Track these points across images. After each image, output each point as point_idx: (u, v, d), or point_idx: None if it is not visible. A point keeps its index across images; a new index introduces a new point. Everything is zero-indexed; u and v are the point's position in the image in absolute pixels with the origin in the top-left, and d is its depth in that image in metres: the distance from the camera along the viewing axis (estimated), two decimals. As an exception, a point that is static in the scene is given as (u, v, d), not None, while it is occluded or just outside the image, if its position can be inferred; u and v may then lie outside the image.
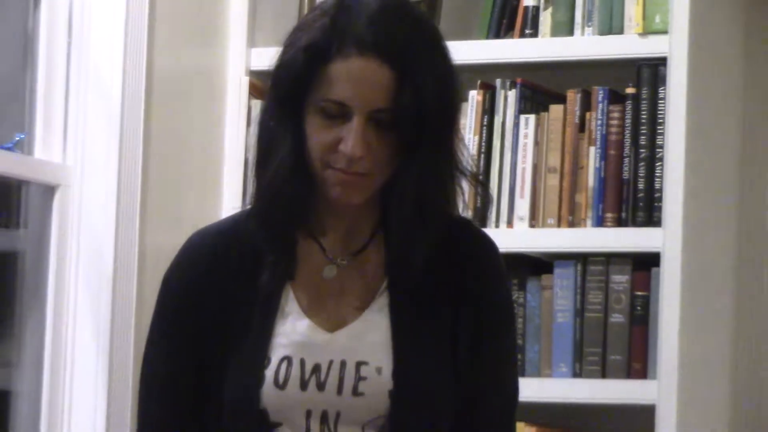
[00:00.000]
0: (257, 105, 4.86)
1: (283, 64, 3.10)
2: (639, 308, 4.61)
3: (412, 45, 3.05)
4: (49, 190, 4.68)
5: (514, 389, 3.20)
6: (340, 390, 3.05)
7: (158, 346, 3.19)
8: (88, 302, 4.68)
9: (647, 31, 4.66)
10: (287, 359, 3.06)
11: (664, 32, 4.61)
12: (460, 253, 3.17)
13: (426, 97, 3.02)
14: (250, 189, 3.21)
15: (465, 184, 3.18)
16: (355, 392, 3.04)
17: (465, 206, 3.25)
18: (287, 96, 3.07)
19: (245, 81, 4.98)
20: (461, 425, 3.13)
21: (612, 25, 4.71)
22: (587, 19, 4.74)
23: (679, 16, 4.57)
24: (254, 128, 4.38)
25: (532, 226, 4.74)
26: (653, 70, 4.64)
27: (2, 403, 4.76)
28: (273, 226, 3.13)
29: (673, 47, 4.58)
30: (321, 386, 3.04)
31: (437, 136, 3.07)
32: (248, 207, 3.21)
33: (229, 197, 4.93)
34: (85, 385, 4.65)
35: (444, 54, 3.09)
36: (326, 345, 3.08)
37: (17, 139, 4.65)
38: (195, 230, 3.24)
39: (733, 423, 4.80)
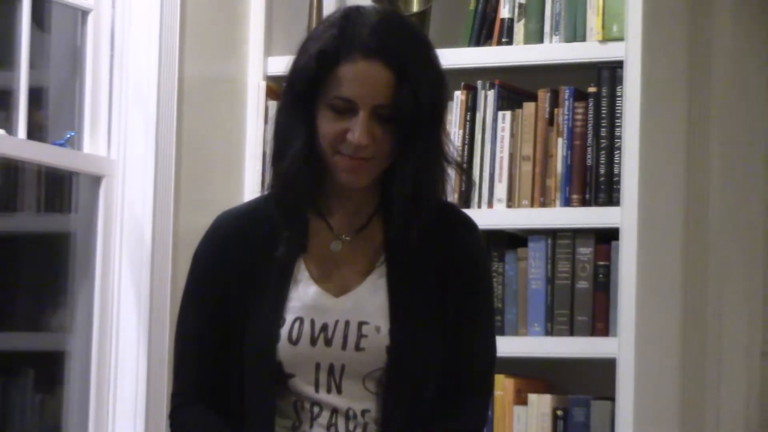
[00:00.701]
0: (273, 105, 4.84)
1: (297, 68, 3.17)
2: (601, 276, 4.64)
3: (409, 51, 3.14)
4: (95, 180, 4.69)
5: (493, 346, 3.27)
6: (344, 346, 3.13)
7: (190, 310, 3.27)
8: (130, 275, 4.69)
9: (606, 39, 4.67)
10: (299, 320, 3.14)
11: (621, 39, 4.62)
12: (446, 232, 3.24)
13: (420, 95, 3.11)
14: (268, 177, 3.28)
15: (451, 172, 3.24)
16: (358, 348, 3.13)
17: (452, 190, 3.39)
18: (301, 96, 3.15)
19: (263, 85, 4.97)
20: (448, 377, 3.18)
21: (576, 34, 4.73)
22: (555, 28, 4.76)
23: (633, 25, 4.58)
24: (271, 125, 4.49)
25: (509, 206, 4.74)
26: (612, 72, 4.66)
27: (59, 361, 4.76)
28: (288, 208, 3.20)
29: (629, 52, 4.60)
30: (328, 342, 3.13)
31: (429, 129, 3.16)
32: (266, 192, 3.28)
33: (250, 184, 4.95)
34: (128, 346, 4.67)
35: (434, 59, 3.19)
36: (333, 307, 3.16)
37: (68, 136, 4.67)
38: (220, 212, 3.35)
39: (683, 371, 4.80)
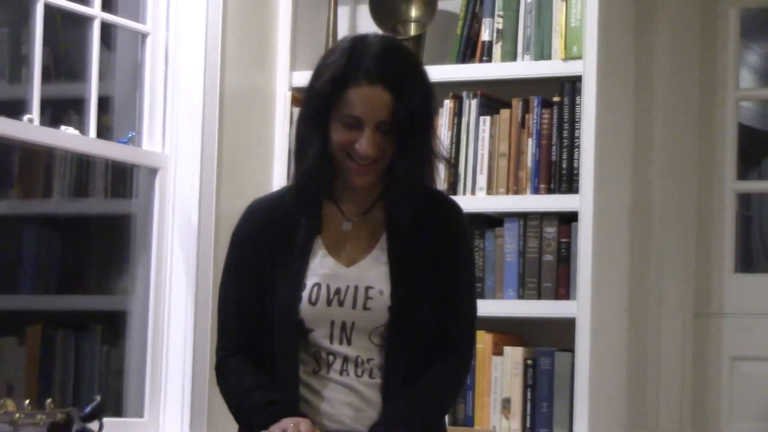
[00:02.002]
0: (297, 112, 4.62)
1: (314, 91, 3.22)
2: (563, 251, 4.63)
3: (405, 75, 3.18)
4: (152, 172, 4.68)
5: (474, 307, 3.31)
6: (354, 306, 3.18)
7: (230, 279, 3.31)
8: (180, 249, 4.69)
9: (567, 58, 4.64)
10: (317, 285, 3.19)
11: (579, 58, 4.60)
12: (437, 214, 3.27)
13: (414, 110, 3.15)
14: (292, 171, 3.38)
15: (442, 166, 3.33)
16: (365, 308, 3.18)
17: (443, 180, 3.45)
18: (317, 113, 3.19)
19: (288, 95, 4.94)
20: (438, 332, 3.22)
21: (543, 53, 4.70)
22: (526, 49, 4.73)
23: (590, 47, 4.57)
24: (294, 128, 4.54)
25: (488, 194, 4.72)
26: (572, 85, 4.64)
27: (122, 319, 4.76)
28: (308, 196, 3.25)
29: (586, 69, 4.59)
30: (341, 303, 3.18)
31: (421, 134, 3.21)
32: (290, 183, 3.34)
33: (277, 176, 4.93)
34: (178, 307, 4.67)
35: (425, 78, 3.24)
36: (344, 275, 3.21)
37: (130, 135, 4.68)
38: (253, 198, 3.39)
39: (630, 328, 4.80)
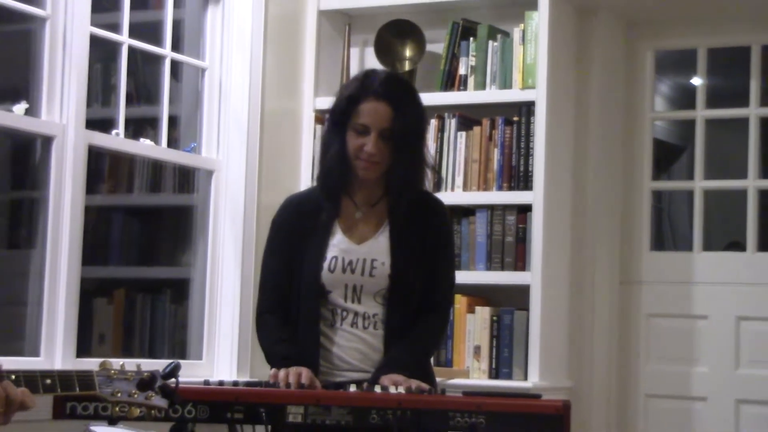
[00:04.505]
0: (319, 128, 4.79)
1: (336, 106, 3.26)
2: (521, 234, 4.59)
3: (403, 96, 3.24)
4: (209, 173, 4.67)
5: (453, 277, 3.35)
6: (363, 273, 3.23)
7: (269, 255, 3.35)
8: (230, 232, 4.66)
9: (524, 87, 4.61)
10: (335, 257, 3.24)
11: (533, 88, 4.57)
12: (425, 209, 3.31)
13: (409, 124, 3.21)
14: (316, 173, 3.44)
15: (428, 171, 3.34)
16: (371, 275, 3.23)
17: (429, 182, 3.46)
18: (337, 122, 3.24)
19: (312, 115, 4.89)
20: (425, 295, 3.25)
21: (506, 84, 4.67)
22: (493, 80, 4.70)
23: (541, 80, 4.54)
24: (318, 140, 4.56)
25: (464, 190, 4.69)
26: (528, 108, 4.61)
27: (185, 285, 4.73)
28: (329, 191, 3.29)
29: (538, 96, 4.56)
30: (353, 271, 3.23)
31: (414, 144, 3.25)
32: (315, 184, 3.37)
33: (304, 178, 4.87)
34: (228, 277, 4.64)
35: (418, 100, 3.30)
36: (356, 251, 3.25)
37: (192, 145, 4.68)
38: (286, 195, 3.44)
39: (570, 293, 4.76)
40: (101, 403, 2.85)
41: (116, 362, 2.44)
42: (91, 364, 2.48)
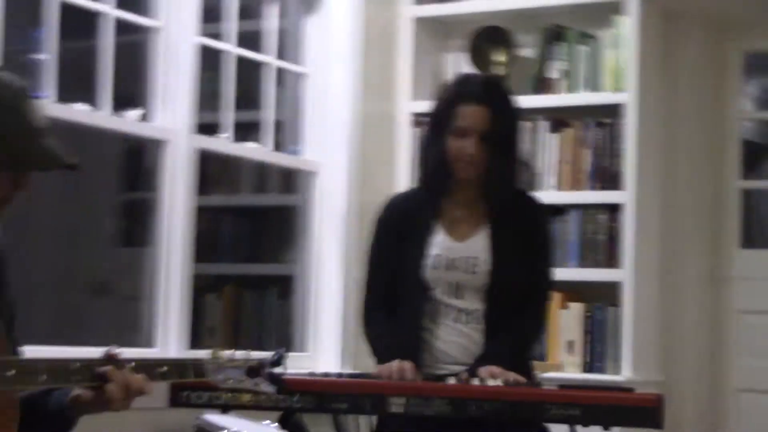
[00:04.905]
0: (416, 132, 4.77)
1: (437, 108, 3.27)
2: (612, 232, 4.53)
3: (500, 99, 3.24)
4: (311, 174, 4.68)
5: (551, 273, 3.32)
6: (464, 270, 3.23)
7: (373, 252, 3.36)
8: (332, 231, 4.67)
9: (614, 90, 4.57)
10: (437, 255, 3.23)
11: (623, 91, 4.52)
12: (524, 206, 3.30)
13: (506, 125, 3.22)
14: (416, 173, 3.46)
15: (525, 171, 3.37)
16: (472, 272, 3.22)
17: (528, 181, 3.45)
18: (438, 125, 3.24)
19: (409, 118, 4.88)
20: (525, 291, 3.23)
21: (596, 87, 4.64)
22: (583, 84, 4.67)
23: (631, 83, 4.51)
24: (414, 142, 4.54)
25: (557, 190, 4.64)
26: (618, 110, 4.54)
27: (290, 281, 4.73)
28: (430, 191, 3.30)
29: (628, 99, 4.52)
30: (455, 269, 3.23)
31: (510, 145, 3.25)
32: (416, 184, 3.38)
33: (401, 178, 4.82)
34: (331, 273, 4.64)
35: (514, 102, 3.29)
36: (457, 249, 3.25)
37: (295, 148, 4.68)
38: (387, 195, 3.46)
39: (661, 290, 4.67)
40: (214, 392, 2.90)
41: (227, 351, 2.46)
42: (202, 355, 2.49)
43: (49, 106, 3.58)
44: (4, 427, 2.11)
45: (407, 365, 3.12)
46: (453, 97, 3.23)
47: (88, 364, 2.18)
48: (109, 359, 2.21)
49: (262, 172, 4.99)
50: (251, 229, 5.08)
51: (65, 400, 2.25)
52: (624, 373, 4.45)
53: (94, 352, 2.25)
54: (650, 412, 2.87)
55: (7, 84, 2.16)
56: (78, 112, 3.81)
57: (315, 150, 4.75)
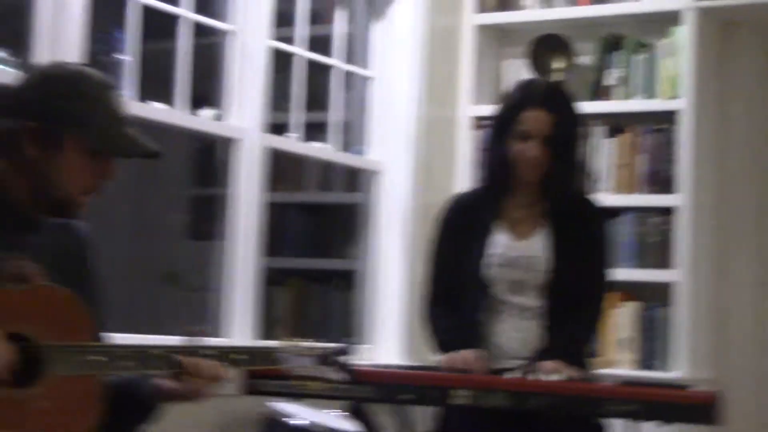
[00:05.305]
0: (476, 134, 4.80)
1: (500, 112, 3.26)
2: (665, 234, 4.49)
3: (562, 104, 3.23)
4: (375, 173, 4.70)
5: (608, 272, 3.29)
6: (523, 268, 3.21)
7: (434, 250, 3.34)
8: (395, 228, 4.68)
9: (669, 97, 4.55)
10: (498, 254, 3.22)
11: (678, 98, 4.51)
12: (582, 207, 3.28)
13: (568, 129, 3.20)
14: (476, 174, 3.47)
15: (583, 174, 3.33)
16: (532, 270, 3.20)
17: (586, 185, 3.44)
18: (501, 128, 3.23)
19: (469, 122, 4.87)
20: (583, 289, 3.22)
21: (651, 94, 4.61)
22: (638, 90, 4.64)
23: (686, 90, 4.51)
24: (474, 145, 4.54)
25: (612, 193, 4.59)
26: (672, 117, 4.52)
27: (354, 276, 4.74)
28: (492, 192, 3.29)
29: (683, 105, 4.51)
30: (514, 266, 3.21)
31: (571, 149, 3.24)
32: (477, 184, 3.37)
33: (460, 179, 4.81)
34: (393, 268, 4.64)
35: (576, 108, 3.28)
36: (517, 247, 3.24)
37: (360, 148, 4.71)
38: (446, 194, 3.49)
39: (713, 291, 4.61)
40: (285, 381, 2.89)
41: (296, 341, 2.47)
42: (274, 343, 2.49)
43: (130, 104, 3.60)
44: (85, 415, 2.11)
45: (473, 354, 3.11)
46: (517, 102, 3.23)
47: (168, 351, 2.19)
48: (187, 347, 2.21)
49: (328, 170, 4.99)
50: (317, 225, 5.09)
51: (150, 389, 2.26)
52: (676, 371, 4.43)
53: (171, 340, 2.27)
54: (708, 410, 2.84)
55: (92, 76, 2.21)
56: (156, 110, 3.84)
57: (379, 150, 4.76)
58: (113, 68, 3.69)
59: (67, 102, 2.15)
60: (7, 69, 3.33)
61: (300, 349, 2.39)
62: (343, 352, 2.44)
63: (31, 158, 2.15)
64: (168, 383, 2.25)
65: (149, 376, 2.26)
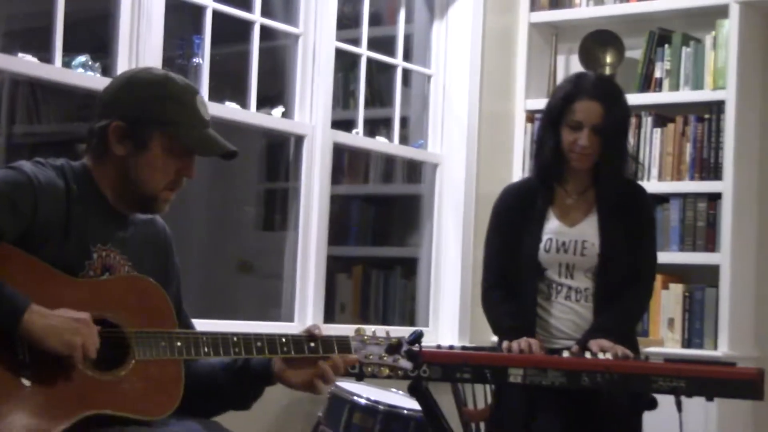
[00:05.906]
0: (529, 127, 4.82)
1: (551, 106, 3.26)
2: (711, 219, 4.48)
3: (611, 95, 3.23)
4: (434, 166, 4.69)
5: (655, 254, 3.30)
6: (575, 253, 3.22)
7: (491, 237, 3.36)
8: (453, 217, 4.66)
9: (715, 88, 4.52)
10: (550, 239, 3.24)
11: (724, 89, 4.48)
12: (630, 194, 3.27)
13: (617, 119, 3.20)
14: (529, 164, 3.48)
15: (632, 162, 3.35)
16: (582, 254, 3.22)
17: (634, 172, 3.44)
18: (553, 119, 3.23)
19: (524, 115, 4.87)
20: (631, 272, 3.21)
21: (698, 85, 4.58)
22: (686, 82, 4.61)
23: (731, 81, 4.46)
24: (528, 137, 4.54)
25: (659, 180, 4.57)
26: (718, 107, 4.50)
27: (415, 263, 4.73)
28: (545, 180, 3.29)
29: (728, 96, 4.47)
30: (566, 251, 3.23)
31: (620, 138, 3.24)
32: (530, 174, 3.39)
33: (516, 169, 4.83)
34: (451, 256, 4.62)
35: (624, 100, 3.27)
36: (568, 233, 3.25)
37: (420, 142, 4.70)
38: (502, 185, 3.46)
39: (756, 273, 4.55)
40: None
41: (368, 329, 2.48)
42: (335, 329, 2.53)
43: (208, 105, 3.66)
44: (170, 396, 2.16)
45: (533, 341, 3.12)
46: (569, 94, 3.23)
47: (246, 339, 2.23)
48: (310, 336, 2.27)
49: (389, 163, 5.02)
50: (379, 215, 5.10)
51: (267, 365, 2.29)
52: (721, 349, 4.40)
53: (248, 326, 2.29)
54: (752, 385, 2.85)
55: (178, 81, 2.27)
56: (229, 109, 3.90)
57: (438, 143, 4.75)
58: (190, 71, 3.74)
59: (154, 104, 2.20)
60: (92, 74, 3.41)
61: (372, 338, 2.39)
62: (414, 340, 2.43)
63: (119, 156, 2.20)
64: (286, 370, 2.28)
65: (265, 360, 2.28)
